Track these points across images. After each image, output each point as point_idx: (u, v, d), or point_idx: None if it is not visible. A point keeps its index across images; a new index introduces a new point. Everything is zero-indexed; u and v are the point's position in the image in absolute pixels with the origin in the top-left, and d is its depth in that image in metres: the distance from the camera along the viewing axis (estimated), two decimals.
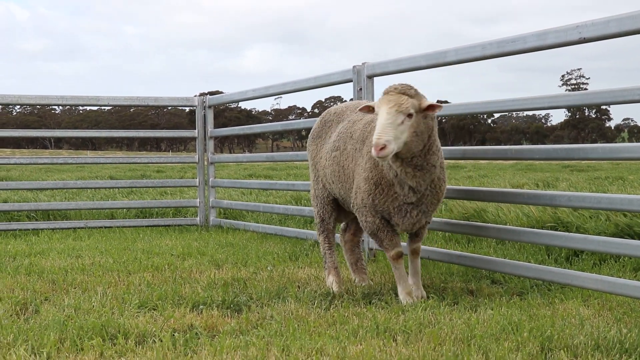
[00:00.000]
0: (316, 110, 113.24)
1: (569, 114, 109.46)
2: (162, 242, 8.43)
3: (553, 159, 5.35)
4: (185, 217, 10.92)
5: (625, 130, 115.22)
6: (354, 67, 7.17)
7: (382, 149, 4.63)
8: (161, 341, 4.00)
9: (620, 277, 5.51)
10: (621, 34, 4.56)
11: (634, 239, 6.52)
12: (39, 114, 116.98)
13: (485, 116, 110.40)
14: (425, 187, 5.03)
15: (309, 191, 6.53)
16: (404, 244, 5.66)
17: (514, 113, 64.40)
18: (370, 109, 5.00)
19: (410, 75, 6.57)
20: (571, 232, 7.14)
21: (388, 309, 4.78)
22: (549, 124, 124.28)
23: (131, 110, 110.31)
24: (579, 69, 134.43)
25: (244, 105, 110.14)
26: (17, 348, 3.88)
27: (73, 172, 23.52)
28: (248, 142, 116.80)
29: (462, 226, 6.36)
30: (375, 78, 7.06)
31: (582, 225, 7.23)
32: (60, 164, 10.80)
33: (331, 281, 5.64)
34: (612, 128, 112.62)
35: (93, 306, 4.85)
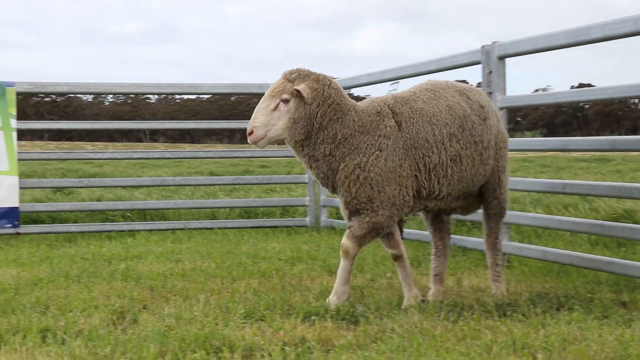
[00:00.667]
0: None
1: None
2: (268, 245, 8.55)
3: None
4: (293, 217, 11.04)
5: None
6: (482, 47, 7.09)
7: (250, 133, 5.22)
8: (270, 355, 4.06)
9: None
10: None
11: None
12: (132, 104, 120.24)
13: (637, 101, 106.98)
14: (325, 178, 5.34)
15: None
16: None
17: None
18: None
19: (548, 55, 6.49)
20: None
21: (525, 323, 4.70)
22: None
23: (232, 98, 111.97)
24: None
25: (356, 92, 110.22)
26: None
27: (170, 168, 23.98)
28: None
29: (610, 228, 6.19)
30: (507, 59, 6.96)
31: None
32: (157, 158, 11.16)
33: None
34: None
35: (195, 316, 4.96)
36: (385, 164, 5.22)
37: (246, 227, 10.26)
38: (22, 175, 10.65)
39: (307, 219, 10.53)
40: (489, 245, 5.84)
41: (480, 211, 5.88)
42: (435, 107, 5.44)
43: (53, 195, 13.48)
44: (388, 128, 5.29)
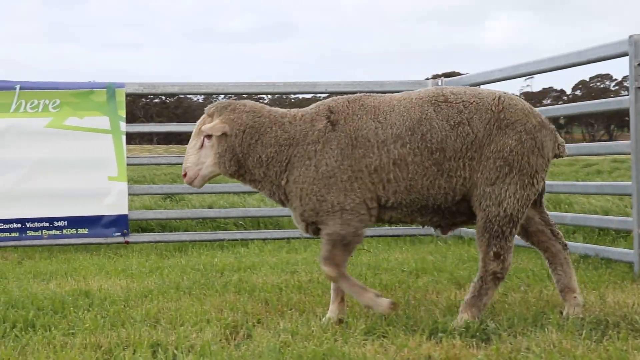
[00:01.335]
0: (578, 93, 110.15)
1: None
2: (390, 256, 8.53)
3: None
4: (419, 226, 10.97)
5: None
6: (630, 37, 6.92)
7: (184, 175, 5.63)
8: None
9: None
10: None
11: None
12: None
13: None
14: (274, 195, 5.60)
15: (569, 193, 6.38)
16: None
17: None
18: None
19: None
20: None
21: None
22: None
23: None
24: None
25: (488, 88, 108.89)
26: None
27: None
28: None
29: None
30: None
31: None
32: None
33: None
34: None
35: (312, 331, 4.98)
36: (317, 170, 5.35)
37: (366, 236, 10.22)
38: (131, 181, 10.95)
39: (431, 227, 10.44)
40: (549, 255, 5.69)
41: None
42: (387, 106, 5.43)
43: (162, 202, 13.78)
44: (316, 132, 5.41)
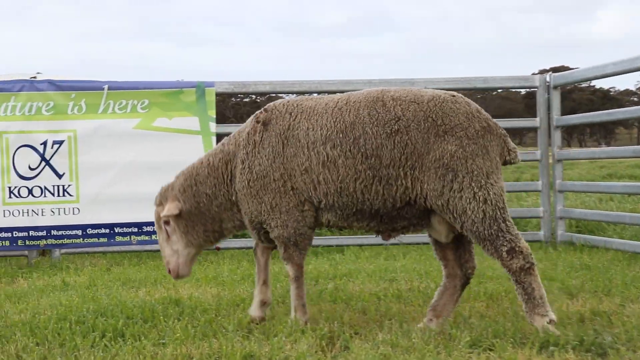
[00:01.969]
0: None
1: None
2: (495, 264, 8.42)
3: None
4: (524, 230, 10.87)
5: None
6: None
7: (169, 272, 6.11)
8: None
9: None
10: None
11: None
12: None
13: None
14: (248, 222, 5.89)
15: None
16: None
17: None
18: None
19: None
20: None
21: None
22: None
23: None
24: None
25: (599, 83, 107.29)
26: None
27: None
28: (605, 132, 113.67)
29: None
30: None
31: None
32: None
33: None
34: None
35: (413, 343, 4.96)
36: (251, 172, 5.71)
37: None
38: None
39: (541, 232, 10.34)
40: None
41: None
42: (322, 108, 5.59)
43: None
44: (246, 135, 5.80)
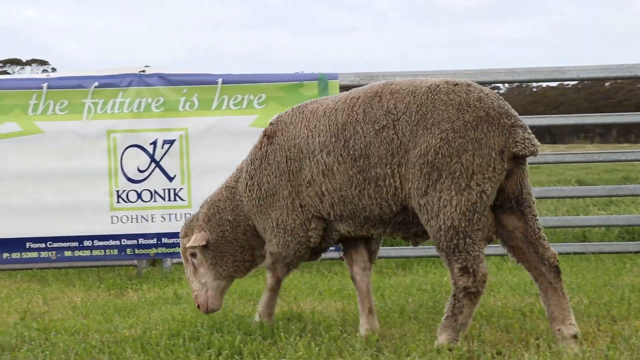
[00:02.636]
0: None
1: None
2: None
3: None
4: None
5: None
6: None
7: (199, 306, 6.31)
8: None
9: None
10: None
11: None
12: None
13: None
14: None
15: None
16: None
17: None
18: None
19: None
20: None
21: None
22: None
23: (606, 84, 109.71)
24: None
25: None
26: None
27: None
28: None
29: None
30: None
31: None
32: None
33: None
34: None
35: None
36: (260, 189, 5.87)
37: (628, 252, 9.99)
38: None
39: None
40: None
41: None
42: (322, 111, 5.59)
43: None
44: (254, 150, 5.98)
